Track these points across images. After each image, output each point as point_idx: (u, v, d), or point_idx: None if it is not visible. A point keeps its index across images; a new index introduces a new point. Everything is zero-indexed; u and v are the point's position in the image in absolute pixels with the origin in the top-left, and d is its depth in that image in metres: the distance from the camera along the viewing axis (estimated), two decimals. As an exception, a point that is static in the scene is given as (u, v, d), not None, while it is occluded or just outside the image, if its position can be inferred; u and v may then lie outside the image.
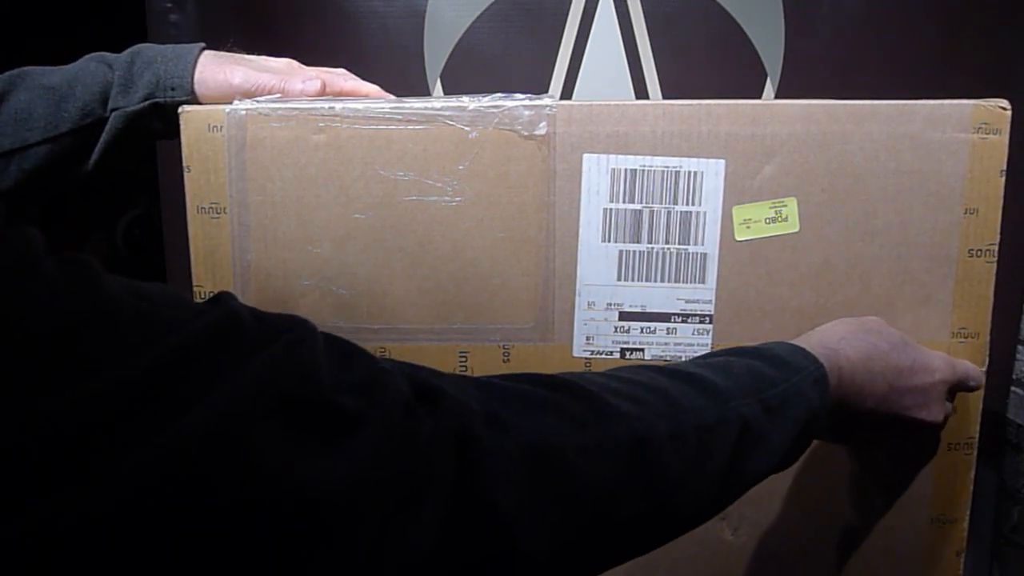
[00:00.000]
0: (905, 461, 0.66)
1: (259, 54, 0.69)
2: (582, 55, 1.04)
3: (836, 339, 0.57)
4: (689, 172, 0.63)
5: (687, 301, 0.64)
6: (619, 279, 0.64)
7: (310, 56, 0.72)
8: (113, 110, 0.65)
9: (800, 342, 0.55)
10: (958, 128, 0.62)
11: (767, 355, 0.53)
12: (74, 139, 0.65)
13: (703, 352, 0.65)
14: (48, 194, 0.69)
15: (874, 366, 0.56)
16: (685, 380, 0.48)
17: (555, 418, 0.42)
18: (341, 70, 0.71)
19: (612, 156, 0.62)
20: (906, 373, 0.57)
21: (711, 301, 0.64)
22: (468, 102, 0.62)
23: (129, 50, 0.67)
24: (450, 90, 1.04)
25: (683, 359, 0.64)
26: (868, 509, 0.67)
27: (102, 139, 0.66)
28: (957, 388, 0.61)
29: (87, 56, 0.68)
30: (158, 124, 0.66)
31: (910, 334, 0.65)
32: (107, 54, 0.68)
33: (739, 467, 0.47)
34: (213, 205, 0.63)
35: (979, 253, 0.64)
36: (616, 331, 0.65)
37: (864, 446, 0.64)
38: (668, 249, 0.64)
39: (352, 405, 0.35)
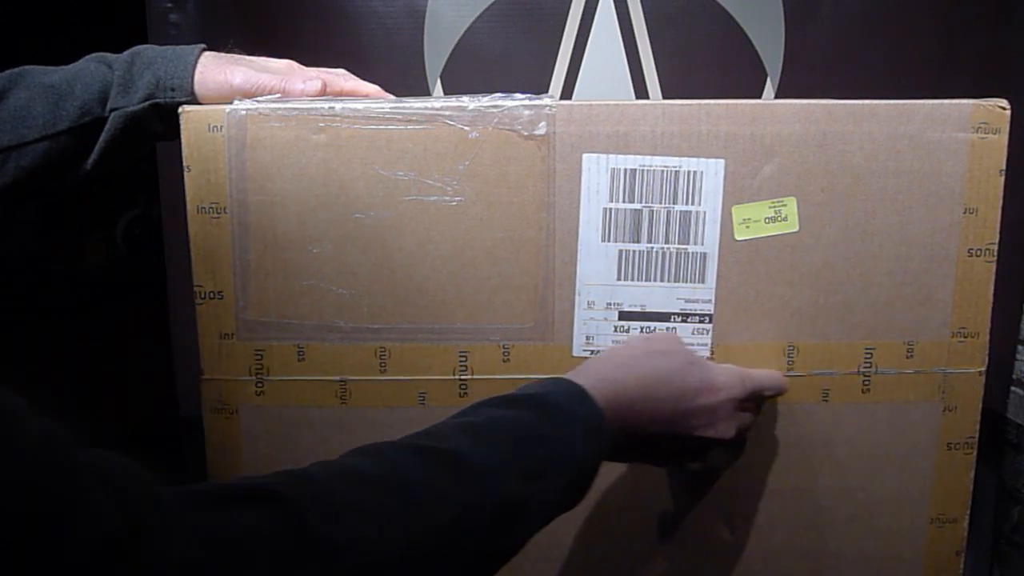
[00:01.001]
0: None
1: (259, 54, 0.69)
2: (582, 55, 1.04)
3: (617, 366, 0.56)
4: (689, 172, 0.63)
5: (687, 300, 0.64)
6: (619, 279, 0.64)
7: (310, 56, 0.72)
8: (113, 110, 0.65)
9: (579, 377, 0.54)
10: (957, 128, 0.62)
11: (540, 403, 0.51)
12: (72, 138, 0.65)
13: (703, 352, 0.65)
14: (46, 193, 0.69)
15: (656, 392, 0.56)
16: (436, 462, 0.45)
17: (266, 569, 0.38)
18: (341, 70, 0.71)
19: (612, 156, 0.62)
20: (690, 395, 0.57)
21: (711, 300, 0.64)
22: (468, 102, 0.62)
23: (129, 51, 0.67)
24: (450, 90, 1.04)
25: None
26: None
27: (101, 139, 0.66)
28: (753, 398, 0.61)
29: (87, 56, 0.68)
30: (158, 125, 0.66)
31: (910, 334, 0.65)
32: (107, 54, 0.68)
33: (501, 545, 0.47)
34: (213, 205, 0.63)
35: (978, 253, 0.64)
36: (616, 331, 0.65)
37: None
38: (668, 249, 0.64)
39: (41, 541, 0.31)
